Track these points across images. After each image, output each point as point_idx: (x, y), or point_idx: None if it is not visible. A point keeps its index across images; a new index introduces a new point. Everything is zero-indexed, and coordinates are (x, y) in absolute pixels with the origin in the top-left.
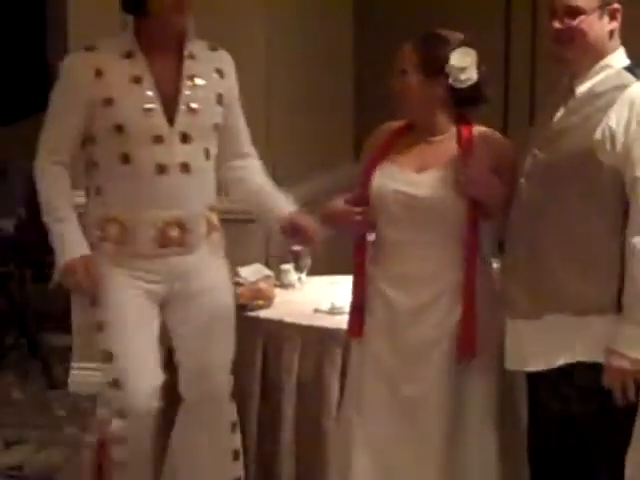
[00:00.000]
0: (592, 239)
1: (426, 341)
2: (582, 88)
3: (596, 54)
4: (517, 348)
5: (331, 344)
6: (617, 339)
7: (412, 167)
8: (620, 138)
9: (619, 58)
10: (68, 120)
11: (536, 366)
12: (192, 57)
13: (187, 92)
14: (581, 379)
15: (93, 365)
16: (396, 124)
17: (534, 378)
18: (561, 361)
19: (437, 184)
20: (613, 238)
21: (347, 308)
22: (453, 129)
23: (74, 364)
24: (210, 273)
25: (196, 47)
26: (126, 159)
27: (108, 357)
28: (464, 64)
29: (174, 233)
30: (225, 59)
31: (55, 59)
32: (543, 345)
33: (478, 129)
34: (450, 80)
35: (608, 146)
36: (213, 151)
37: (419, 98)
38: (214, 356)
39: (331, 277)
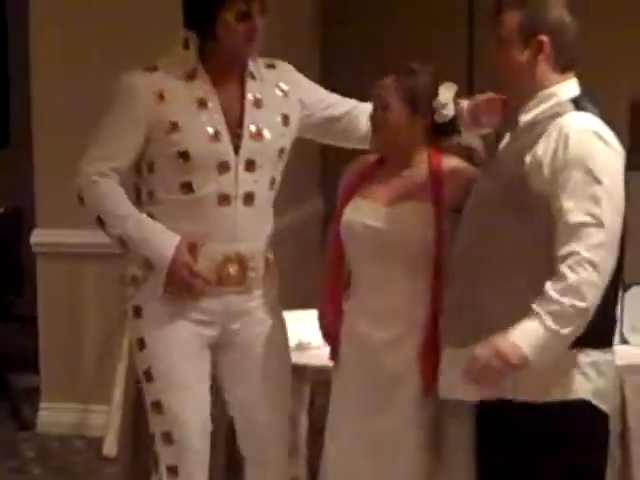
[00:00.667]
0: (526, 268)
1: (396, 376)
2: (526, 117)
3: (528, 85)
4: (450, 376)
5: (299, 381)
6: (517, 329)
7: (382, 201)
8: (547, 166)
9: (568, 89)
10: (123, 140)
11: (470, 396)
12: (253, 77)
13: (251, 115)
14: (519, 415)
15: (62, 405)
16: (369, 158)
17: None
18: (493, 395)
19: (406, 217)
20: (546, 267)
21: (314, 344)
22: (424, 162)
23: (42, 404)
24: (267, 321)
25: (256, 66)
26: (188, 188)
27: (158, 408)
28: (448, 99)
29: (233, 270)
30: (284, 74)
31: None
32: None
33: (447, 160)
34: (435, 116)
35: (536, 172)
36: (278, 179)
37: (402, 133)
38: (269, 417)
39: (298, 312)
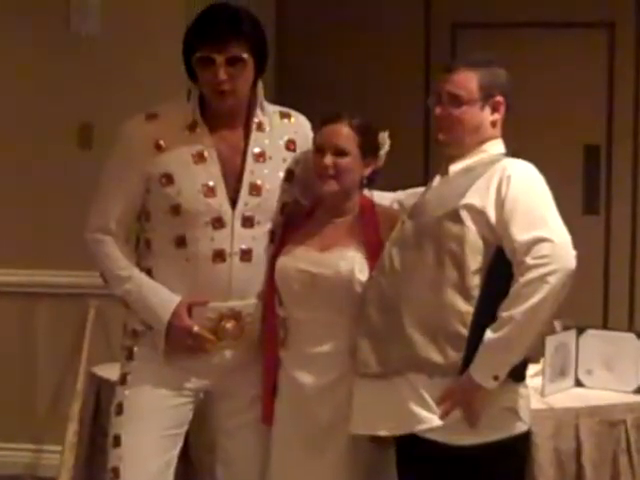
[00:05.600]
0: (441, 305)
1: (331, 422)
2: (456, 167)
3: (473, 142)
4: (366, 410)
5: None
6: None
7: (316, 246)
8: (491, 203)
9: (495, 147)
10: (121, 192)
11: (390, 430)
12: (260, 128)
13: (251, 170)
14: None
15: (15, 445)
16: (300, 208)
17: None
18: (412, 429)
19: (340, 262)
20: (460, 304)
21: None
22: (356, 208)
23: None
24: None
25: (266, 115)
26: (181, 242)
27: (116, 442)
28: (388, 146)
29: (229, 326)
30: (298, 127)
31: None
32: (392, 408)
33: (377, 205)
34: (379, 162)
35: (476, 209)
36: (280, 232)
37: (354, 178)
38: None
39: None
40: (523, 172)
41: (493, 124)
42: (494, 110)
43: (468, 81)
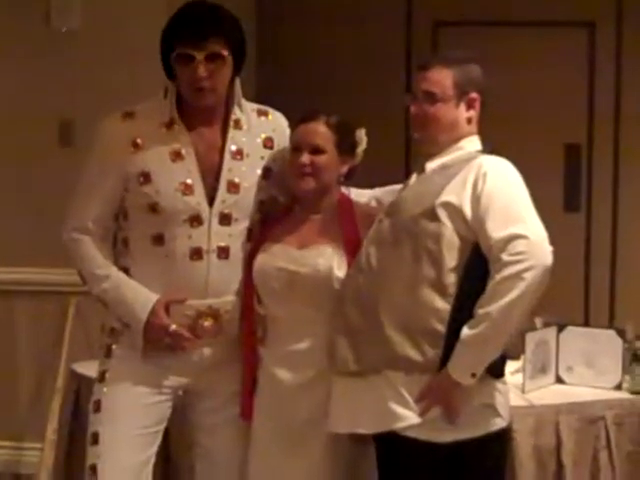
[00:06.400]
0: (418, 303)
1: (310, 418)
2: (432, 165)
3: (449, 140)
4: (344, 408)
5: None
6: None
7: (294, 244)
8: (467, 200)
9: (472, 143)
10: (99, 191)
11: (369, 428)
12: (238, 126)
13: (229, 167)
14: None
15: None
16: (278, 205)
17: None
18: (390, 426)
19: (319, 260)
20: (437, 301)
21: None
22: (334, 205)
23: None
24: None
25: (243, 113)
26: (159, 240)
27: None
28: (364, 143)
29: (207, 323)
30: (276, 125)
31: None
32: (371, 406)
33: (355, 202)
34: (356, 160)
35: (452, 207)
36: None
37: (331, 176)
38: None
39: None
40: (499, 169)
41: (469, 121)
42: (469, 107)
43: (443, 78)
